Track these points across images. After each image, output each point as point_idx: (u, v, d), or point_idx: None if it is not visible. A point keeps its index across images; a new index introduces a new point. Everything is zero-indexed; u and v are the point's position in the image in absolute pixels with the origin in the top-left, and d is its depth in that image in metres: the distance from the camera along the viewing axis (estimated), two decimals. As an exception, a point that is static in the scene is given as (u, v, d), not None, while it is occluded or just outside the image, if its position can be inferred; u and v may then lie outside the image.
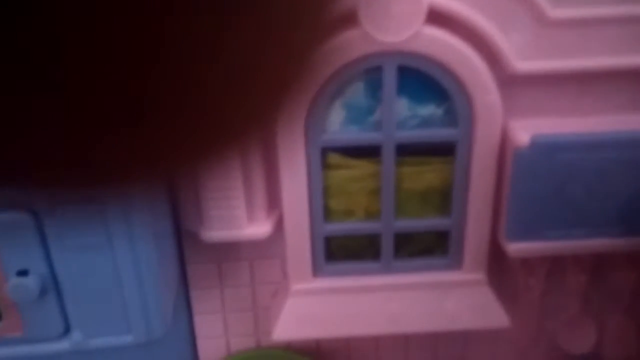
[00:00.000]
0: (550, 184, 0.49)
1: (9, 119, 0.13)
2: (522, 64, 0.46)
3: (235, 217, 0.51)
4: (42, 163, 0.14)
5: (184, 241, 0.55)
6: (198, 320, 0.59)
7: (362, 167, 0.50)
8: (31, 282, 0.45)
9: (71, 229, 0.46)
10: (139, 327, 0.50)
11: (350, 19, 0.45)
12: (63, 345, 0.49)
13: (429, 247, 0.55)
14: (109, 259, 0.47)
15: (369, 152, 0.50)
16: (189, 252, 0.56)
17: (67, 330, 0.49)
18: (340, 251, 0.55)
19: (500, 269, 0.56)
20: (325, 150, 0.49)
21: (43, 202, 0.45)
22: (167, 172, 0.17)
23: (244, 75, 0.15)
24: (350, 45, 0.45)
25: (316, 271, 0.54)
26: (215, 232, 0.51)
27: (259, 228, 0.52)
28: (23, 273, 0.45)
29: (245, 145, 0.17)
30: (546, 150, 0.47)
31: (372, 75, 0.47)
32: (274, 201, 0.52)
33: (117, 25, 0.12)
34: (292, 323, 0.55)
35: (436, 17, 0.45)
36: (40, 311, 0.47)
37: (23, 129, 0.13)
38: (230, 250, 0.56)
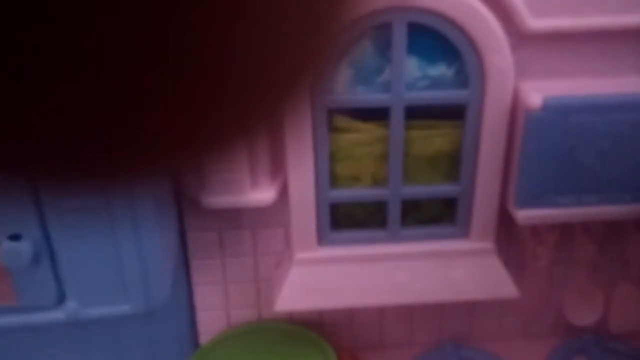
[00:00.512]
0: (562, 148, 0.47)
1: (18, 109, 0.13)
2: (536, 22, 0.44)
3: (238, 182, 0.49)
4: (56, 153, 0.14)
5: (184, 208, 0.54)
6: (198, 291, 0.58)
7: (369, 131, 0.49)
8: (24, 247, 0.44)
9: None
10: (138, 296, 0.48)
11: (359, -26, 0.43)
12: (58, 314, 0.48)
13: (437, 215, 0.53)
14: (107, 224, 0.45)
15: (376, 114, 0.48)
16: (189, 220, 0.54)
17: (61, 298, 0.48)
18: (345, 219, 0.53)
19: (508, 238, 0.55)
20: (331, 113, 0.48)
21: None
22: (188, 156, 0.16)
23: (265, 53, 0.14)
24: (358, 0, 0.43)
25: (321, 240, 0.53)
26: (216, 198, 0.49)
27: (263, 194, 0.50)
28: (15, 237, 0.44)
29: (271, 123, 0.17)
30: (559, 113, 0.46)
31: (380, 33, 0.45)
32: (278, 166, 0.51)
33: (130, 10, 0.12)
34: (295, 293, 0.54)
35: (448, -28, 0.43)
36: (34, 278, 0.46)
37: (33, 120, 0.13)
38: (231, 218, 0.54)
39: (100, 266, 0.47)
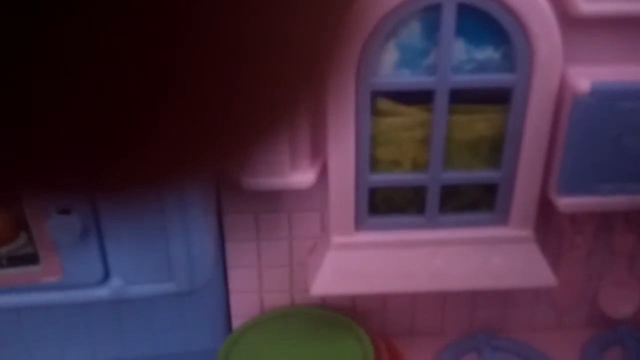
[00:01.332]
0: (608, 134, 0.47)
1: (41, 118, 0.13)
2: (588, 5, 0.44)
3: (278, 164, 0.49)
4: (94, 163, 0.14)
5: (222, 190, 0.53)
6: (232, 274, 0.57)
7: (412, 115, 0.49)
8: (73, 221, 0.43)
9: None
10: (182, 275, 0.48)
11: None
12: (102, 291, 0.48)
13: (475, 201, 0.53)
14: (155, 203, 0.45)
15: (420, 98, 0.48)
16: (226, 202, 0.54)
17: (107, 276, 0.47)
18: (383, 204, 0.53)
19: (546, 226, 0.55)
20: (374, 95, 0.47)
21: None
22: (223, 156, 0.16)
23: (285, 44, 0.14)
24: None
25: (358, 224, 0.53)
26: (257, 180, 0.49)
27: (302, 176, 0.50)
28: (65, 212, 0.44)
29: (295, 112, 0.16)
30: (607, 98, 0.45)
31: (429, 14, 0.45)
32: (317, 149, 0.50)
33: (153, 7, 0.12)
34: (331, 277, 0.53)
35: (499, -47, 0.43)
36: (81, 254, 0.46)
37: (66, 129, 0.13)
38: (268, 201, 0.54)
39: (147, 244, 0.47)
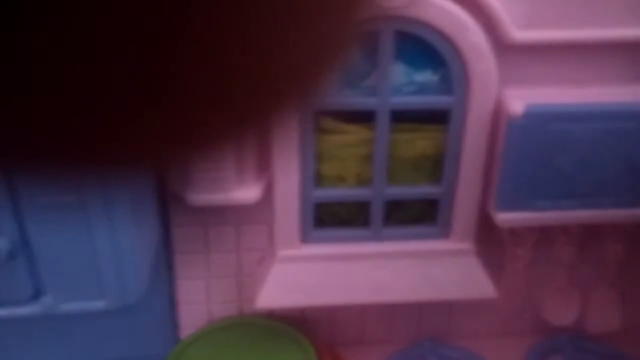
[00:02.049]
0: (542, 153, 0.48)
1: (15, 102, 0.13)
2: (520, 34, 0.45)
3: (224, 180, 0.50)
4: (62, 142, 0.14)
5: (170, 203, 0.54)
6: (180, 285, 0.58)
7: (355, 133, 0.50)
8: (0, 244, 0.44)
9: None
10: (113, 292, 0.48)
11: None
12: (34, 309, 0.48)
13: (419, 215, 0.54)
14: (82, 220, 0.45)
15: (362, 117, 0.49)
16: (174, 215, 0.55)
17: (37, 293, 0.48)
18: (329, 218, 0.54)
19: (487, 239, 0.56)
20: (318, 114, 0.49)
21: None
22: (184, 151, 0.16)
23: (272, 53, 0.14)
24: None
25: (304, 237, 0.54)
26: (202, 196, 0.50)
27: (248, 192, 0.51)
28: None
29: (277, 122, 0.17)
30: (540, 120, 0.47)
31: (368, 39, 0.46)
32: (263, 165, 0.51)
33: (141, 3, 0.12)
34: (277, 290, 0.54)
35: (435, -20, 0.44)
36: (10, 274, 0.46)
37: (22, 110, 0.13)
38: (216, 214, 0.55)
39: (76, 262, 0.47)
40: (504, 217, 0.51)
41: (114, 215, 0.45)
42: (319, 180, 0.52)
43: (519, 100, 0.47)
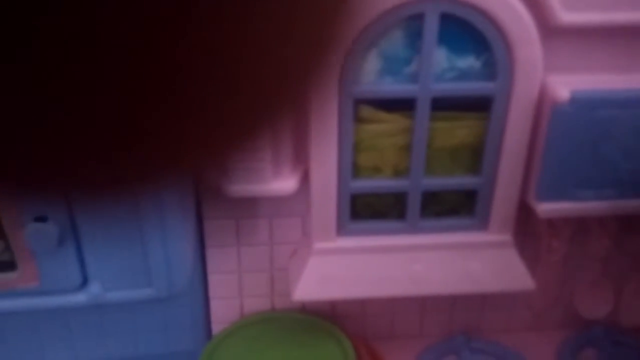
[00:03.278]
0: (586, 141, 0.47)
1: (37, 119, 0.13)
2: (567, 15, 0.44)
3: (261, 170, 0.49)
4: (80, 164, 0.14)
5: (202, 196, 0.53)
6: (212, 279, 0.57)
7: (393, 122, 0.49)
8: (50, 229, 0.43)
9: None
10: (160, 281, 0.48)
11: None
12: (80, 297, 0.47)
13: (456, 206, 0.53)
14: (132, 208, 0.44)
15: (401, 105, 0.48)
16: (206, 208, 0.54)
17: (85, 282, 0.47)
18: (365, 210, 0.53)
19: (523, 231, 0.55)
20: (357, 103, 0.48)
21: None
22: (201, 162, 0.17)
23: (273, 47, 0.14)
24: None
25: (340, 230, 0.53)
26: (238, 186, 0.49)
27: (284, 183, 0.50)
28: (41, 219, 0.43)
29: (278, 119, 0.17)
30: (586, 107, 0.46)
31: (411, 23, 0.45)
32: (299, 156, 0.50)
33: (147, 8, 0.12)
34: (313, 283, 0.53)
35: (482, -36, 0.43)
36: (58, 261, 0.45)
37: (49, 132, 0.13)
38: (249, 207, 0.54)
39: (124, 250, 0.46)
40: (545, 208, 0.50)
41: (162, 204, 0.44)
42: (355, 171, 0.51)
43: (565, 87, 0.46)
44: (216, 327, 0.59)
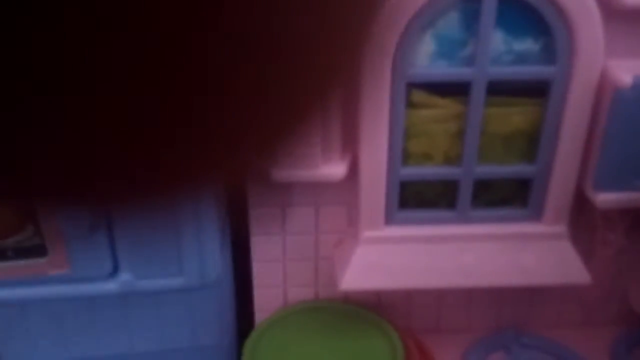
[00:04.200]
0: (648, 129, 0.46)
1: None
2: (631, -3, 0.42)
3: (311, 156, 0.48)
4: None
5: (248, 183, 0.52)
6: (256, 267, 0.56)
7: (446, 107, 0.47)
8: (83, 213, 0.42)
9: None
10: (192, 270, 0.47)
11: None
12: (111, 285, 0.47)
13: (508, 196, 0.52)
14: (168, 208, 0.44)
15: (455, 90, 0.47)
16: (252, 194, 0.53)
17: (116, 270, 0.46)
18: (413, 198, 0.52)
19: (577, 222, 0.54)
20: (409, 87, 0.46)
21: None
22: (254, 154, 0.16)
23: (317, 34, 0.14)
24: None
25: (388, 218, 0.52)
26: (288, 171, 0.48)
27: (334, 169, 0.49)
28: None
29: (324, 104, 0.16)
30: (649, 92, 0.44)
31: (468, 4, 0.43)
32: (348, 141, 0.49)
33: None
34: (360, 272, 0.52)
35: (543, -58, 0.42)
36: (89, 247, 0.45)
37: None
38: (295, 194, 0.53)
39: (157, 238, 0.46)
40: (603, 198, 0.48)
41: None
42: (405, 158, 0.49)
43: (627, 72, 0.44)
44: (259, 316, 0.58)
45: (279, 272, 0.57)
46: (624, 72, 0.44)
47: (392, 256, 0.52)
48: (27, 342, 0.51)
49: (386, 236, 0.52)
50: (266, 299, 0.58)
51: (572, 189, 0.50)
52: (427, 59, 0.45)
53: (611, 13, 0.44)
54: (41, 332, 0.50)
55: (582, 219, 0.54)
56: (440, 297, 0.60)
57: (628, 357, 0.58)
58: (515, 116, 0.48)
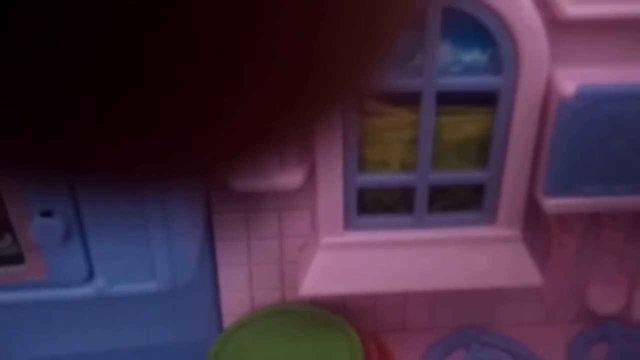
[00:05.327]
0: (593, 136, 0.47)
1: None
2: (573, 8, 0.44)
3: (267, 165, 0.49)
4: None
5: (212, 189, 0.54)
6: (222, 272, 0.58)
7: (399, 116, 0.49)
8: (56, 224, 0.44)
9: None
10: (165, 274, 0.49)
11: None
12: (87, 290, 0.48)
13: (464, 201, 0.53)
14: (136, 204, 0.45)
15: (407, 99, 0.48)
16: (216, 201, 0.54)
17: (90, 275, 0.48)
18: (372, 204, 0.53)
19: (534, 225, 0.55)
20: (361, 96, 0.48)
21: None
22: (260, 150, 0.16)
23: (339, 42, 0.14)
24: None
25: (347, 224, 0.53)
26: (245, 181, 0.49)
27: (290, 177, 0.50)
28: (47, 214, 0.44)
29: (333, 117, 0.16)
30: (592, 101, 0.45)
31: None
32: (306, 150, 0.51)
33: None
34: (320, 278, 0.54)
35: (485, -43, 0.43)
36: (64, 255, 0.46)
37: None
38: (258, 200, 0.54)
39: (129, 244, 0.47)
40: (553, 203, 0.50)
41: (166, 199, 0.45)
42: (362, 165, 0.51)
43: (571, 81, 0.45)
44: (227, 319, 0.59)
45: (245, 276, 0.58)
46: (568, 82, 0.45)
47: (352, 261, 0.54)
48: (18, 341, 0.53)
49: (346, 242, 0.53)
50: (234, 302, 0.59)
51: (523, 194, 0.51)
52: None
53: (555, 23, 0.45)
54: (30, 333, 0.52)
55: (539, 221, 0.55)
56: (404, 298, 0.61)
57: (585, 355, 0.59)
58: (467, 124, 0.49)
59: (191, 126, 0.13)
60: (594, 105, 0.45)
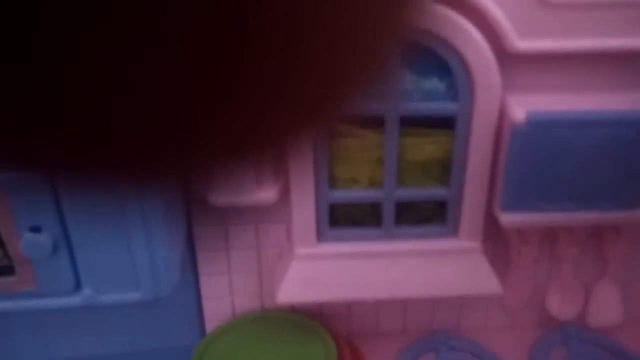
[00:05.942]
0: (544, 159, 0.51)
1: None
2: (522, 43, 0.48)
3: (243, 182, 0.53)
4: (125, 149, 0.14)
5: (193, 204, 0.58)
6: (204, 281, 0.62)
7: (367, 137, 0.53)
8: (44, 239, 0.47)
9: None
10: (147, 284, 0.52)
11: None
12: (74, 300, 0.52)
13: (429, 215, 0.57)
14: (119, 219, 0.49)
15: (374, 123, 0.52)
16: (197, 215, 0.58)
17: (78, 286, 0.52)
18: (343, 218, 0.57)
19: (495, 237, 0.59)
20: (331, 122, 0.52)
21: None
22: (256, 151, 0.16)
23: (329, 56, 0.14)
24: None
25: (320, 237, 0.57)
26: (223, 198, 0.53)
27: (266, 194, 0.54)
28: (36, 230, 0.48)
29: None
30: (541, 127, 0.49)
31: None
32: (280, 168, 0.55)
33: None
34: (295, 287, 0.58)
35: (441, -4, 0.47)
36: (53, 267, 0.50)
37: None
38: (237, 214, 0.58)
39: (114, 257, 0.51)
40: (509, 219, 0.54)
41: (147, 214, 0.49)
42: (334, 182, 0.55)
43: (522, 108, 0.49)
44: (210, 326, 0.63)
45: (226, 285, 0.62)
46: (519, 109, 0.49)
47: (326, 271, 0.58)
48: (7, 347, 0.57)
49: (319, 253, 0.57)
50: (215, 310, 0.63)
51: (483, 209, 0.55)
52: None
53: (507, 56, 0.49)
54: (21, 341, 0.56)
55: (499, 234, 0.59)
56: (377, 305, 0.65)
57: (546, 358, 0.63)
58: (429, 146, 0.53)
59: (169, 131, 0.13)
60: (543, 130, 0.49)
